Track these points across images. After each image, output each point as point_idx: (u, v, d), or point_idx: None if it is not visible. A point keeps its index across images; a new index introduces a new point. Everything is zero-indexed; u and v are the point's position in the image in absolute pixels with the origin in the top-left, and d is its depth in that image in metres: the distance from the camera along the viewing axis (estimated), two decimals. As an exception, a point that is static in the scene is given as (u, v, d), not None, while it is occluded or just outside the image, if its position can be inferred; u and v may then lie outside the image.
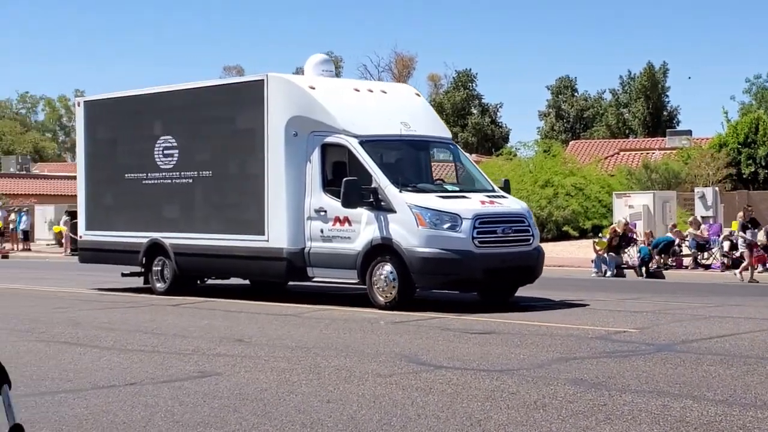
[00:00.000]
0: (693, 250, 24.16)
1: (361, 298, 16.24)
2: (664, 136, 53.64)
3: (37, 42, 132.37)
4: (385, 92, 16.67)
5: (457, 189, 15.50)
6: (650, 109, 70.90)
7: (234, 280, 18.52)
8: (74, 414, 7.32)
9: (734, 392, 7.81)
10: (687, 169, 37.75)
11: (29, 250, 39.41)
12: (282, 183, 15.51)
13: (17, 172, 65.00)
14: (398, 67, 79.22)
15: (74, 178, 68.18)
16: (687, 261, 24.30)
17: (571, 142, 58.02)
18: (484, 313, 13.84)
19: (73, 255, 21.08)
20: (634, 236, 24.86)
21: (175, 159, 17.36)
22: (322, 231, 15.11)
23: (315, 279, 15.73)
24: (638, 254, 23.78)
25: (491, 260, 14.20)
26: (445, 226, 14.08)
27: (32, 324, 13.17)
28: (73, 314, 14.43)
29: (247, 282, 18.70)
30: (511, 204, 15.22)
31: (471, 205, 14.47)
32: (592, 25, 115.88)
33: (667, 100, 73.45)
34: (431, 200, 14.44)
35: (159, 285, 17.65)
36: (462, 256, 13.98)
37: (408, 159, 15.98)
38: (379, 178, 14.57)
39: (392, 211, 14.36)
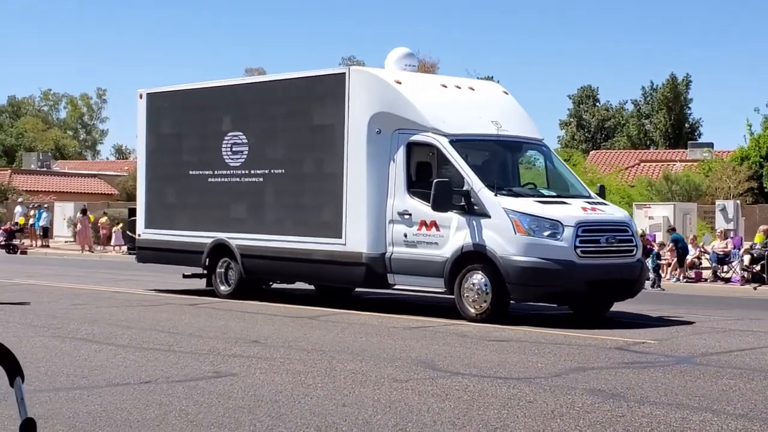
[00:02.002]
0: (713, 264, 23.98)
1: (381, 303, 16.21)
2: (686, 148, 53.34)
3: (60, 39, 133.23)
4: (473, 89, 15.63)
5: (554, 194, 14.44)
6: (672, 120, 70.53)
7: (299, 285, 17.75)
8: (88, 411, 7.29)
9: (755, 406, 7.70)
10: (708, 181, 37.53)
11: (48, 246, 39.58)
12: (363, 183, 14.61)
13: (38, 169, 65.37)
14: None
15: (94, 176, 68.57)
16: (706, 274, 24.11)
17: (591, 152, 57.82)
18: (502, 320, 13.75)
19: (130, 254, 20.24)
20: (652, 248, 24.68)
21: (245, 156, 16.48)
22: (405, 235, 14.20)
23: (396, 287, 14.61)
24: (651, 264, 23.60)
25: (594, 272, 13.25)
26: (545, 233, 13.11)
27: (49, 320, 13.18)
28: (89, 311, 14.44)
29: (311, 287, 17.97)
30: (614, 212, 14.37)
31: (572, 211, 13.50)
32: (615, 35, 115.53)
33: (689, 111, 73.06)
34: (530, 205, 13.47)
35: (223, 288, 16.83)
36: (563, 266, 12.99)
37: (498, 160, 15.08)
38: (472, 180, 13.63)
39: (486, 215, 13.39)
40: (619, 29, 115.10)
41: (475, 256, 13.45)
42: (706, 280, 23.86)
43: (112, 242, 37.10)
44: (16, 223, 39.86)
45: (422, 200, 14.00)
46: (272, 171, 16.08)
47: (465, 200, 13.53)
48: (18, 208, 42.00)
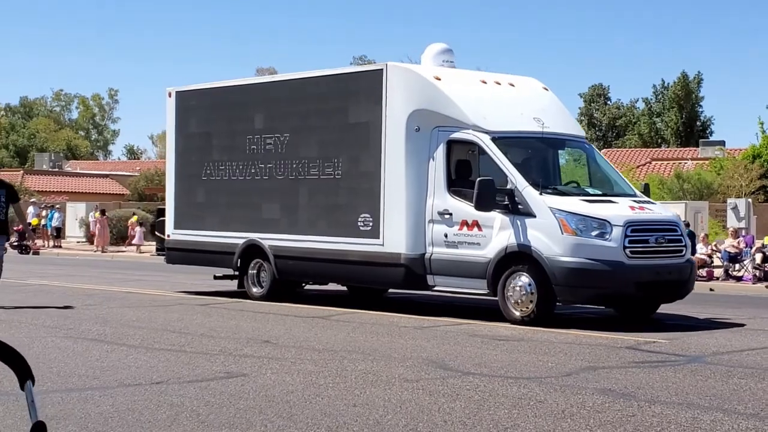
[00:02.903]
0: (725, 262, 23.91)
1: (390, 302, 16.23)
2: (697, 146, 53.20)
3: (72, 39, 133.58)
4: (513, 85, 15.17)
5: (600, 193, 14.07)
6: (683, 118, 70.34)
7: (332, 286, 17.45)
8: (99, 411, 7.33)
9: (766, 406, 7.68)
10: (719, 179, 37.41)
11: (60, 247, 39.73)
12: (401, 182, 14.26)
13: (50, 170, 65.63)
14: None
15: (105, 176, 68.87)
16: (718, 272, 24.04)
17: (602, 151, 57.67)
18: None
19: (159, 255, 19.96)
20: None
21: (278, 155, 16.14)
22: (446, 235, 13.82)
23: (436, 288, 14.25)
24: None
25: (644, 273, 12.87)
26: (593, 233, 12.73)
27: (61, 320, 13.24)
28: (101, 311, 14.50)
29: (344, 288, 17.72)
30: (662, 211, 14.02)
31: (620, 210, 13.13)
32: (626, 33, 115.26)
33: (700, 110, 72.85)
34: (576, 204, 13.10)
35: (255, 290, 16.48)
36: (612, 267, 12.62)
37: (541, 158, 14.65)
38: (516, 179, 13.25)
39: (531, 215, 13.00)
40: (631, 27, 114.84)
41: (519, 257, 13.09)
42: (717, 278, 23.79)
43: (135, 241, 37.33)
44: (29, 224, 40.04)
45: (463, 199, 13.66)
46: (306, 170, 15.73)
47: (509, 199, 13.18)
48: (30, 209, 42.18)
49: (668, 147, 65.23)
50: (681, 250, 13.43)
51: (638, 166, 46.81)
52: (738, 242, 24.28)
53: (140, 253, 35.95)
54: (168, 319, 13.54)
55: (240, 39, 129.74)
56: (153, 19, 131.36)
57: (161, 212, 19.30)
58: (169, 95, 18.35)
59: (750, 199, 29.64)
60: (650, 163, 48.37)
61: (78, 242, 42.32)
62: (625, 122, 76.62)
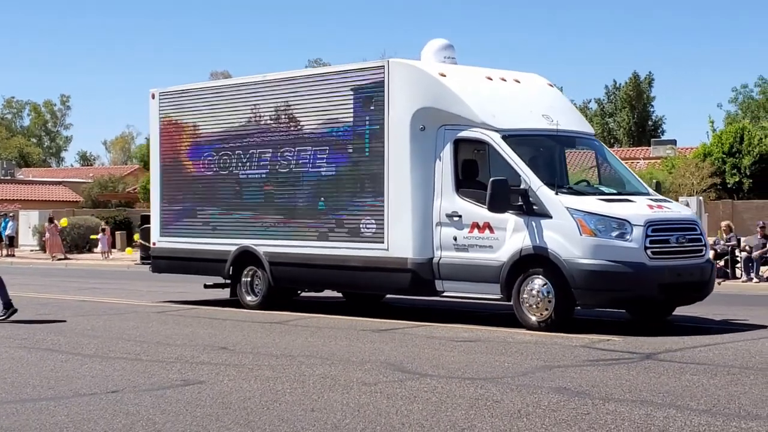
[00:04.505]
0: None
1: (344, 306, 16.20)
2: (649, 146, 53.89)
3: (23, 46, 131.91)
4: (519, 81, 14.58)
5: (615, 191, 13.59)
6: (635, 118, 71.26)
7: (328, 293, 16.95)
8: (55, 422, 7.27)
9: (718, 402, 7.82)
10: (671, 178, 37.91)
11: (13, 255, 39.28)
12: (406, 183, 13.66)
13: (2, 177, 64.75)
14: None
15: (58, 183, 67.93)
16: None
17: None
18: (470, 321, 13.82)
19: (144, 264, 19.00)
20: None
21: (271, 157, 15.47)
22: (455, 239, 13.26)
23: (445, 294, 13.70)
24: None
25: (666, 274, 12.38)
26: (613, 234, 12.23)
27: (14, 330, 13.07)
28: (55, 320, 14.34)
29: (339, 295, 17.09)
30: (681, 209, 13.61)
31: (639, 209, 12.64)
32: (577, 34, 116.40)
33: (652, 109, 73.88)
34: (594, 204, 12.58)
35: (249, 298, 15.80)
36: (634, 269, 12.13)
37: (552, 156, 14.10)
38: (530, 178, 12.69)
39: (546, 216, 12.46)
40: (581, 28, 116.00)
41: (535, 260, 12.55)
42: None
43: (99, 249, 37.20)
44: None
45: (473, 201, 13.13)
46: (303, 172, 15.06)
47: (522, 200, 12.63)
48: (-18, 218, 41.63)
49: (621, 147, 65.97)
50: (701, 250, 13.04)
51: (592, 167, 47.27)
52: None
53: (107, 260, 35.80)
54: (123, 328, 13.43)
55: (192, 44, 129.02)
56: (104, 26, 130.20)
57: (146, 219, 18.41)
58: (152, 97, 17.47)
59: (701, 197, 30.08)
60: (595, 166, 48.86)
61: (31, 251, 41.87)
62: (578, 123, 77.24)
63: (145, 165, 66.76)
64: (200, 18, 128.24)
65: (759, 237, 23.29)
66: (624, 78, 74.46)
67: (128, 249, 38.17)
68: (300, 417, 7.34)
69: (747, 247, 23.01)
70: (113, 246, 42.15)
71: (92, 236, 39.62)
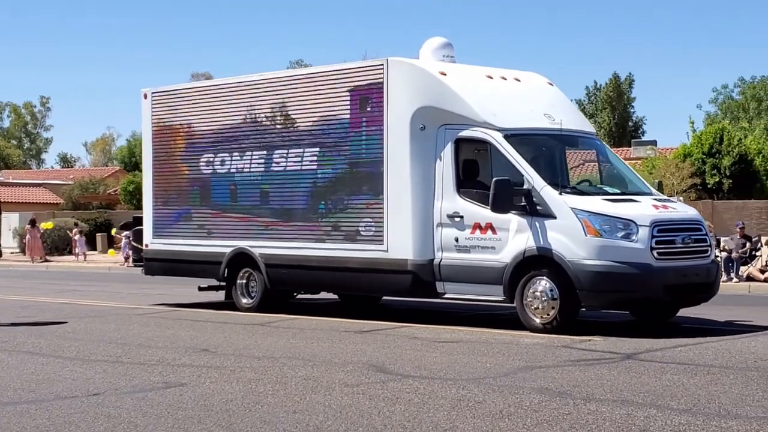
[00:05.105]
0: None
1: (332, 308, 16.18)
2: (630, 146, 54.10)
3: (1, 48, 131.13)
4: (519, 80, 14.45)
5: (618, 191, 13.43)
6: (616, 119, 71.57)
7: (323, 295, 16.65)
8: (36, 425, 7.24)
9: (698, 401, 7.87)
10: (651, 178, 37.94)
11: (-7, 258, 39.10)
12: (406, 184, 13.50)
13: (-19, 180, 64.27)
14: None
15: (39, 185, 67.37)
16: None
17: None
18: (453, 322, 13.85)
19: (136, 266, 18.76)
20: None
21: (268, 157, 15.25)
22: (456, 240, 13.11)
23: (446, 296, 13.50)
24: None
25: (672, 275, 12.31)
26: (619, 234, 12.11)
27: (-6, 334, 13.01)
28: (36, 323, 14.26)
29: (335, 297, 16.96)
30: (686, 209, 13.47)
31: (644, 209, 12.52)
32: (558, 35, 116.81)
33: (632, 110, 74.25)
34: (599, 204, 12.46)
35: (245, 301, 15.59)
36: (640, 270, 12.02)
37: (554, 156, 13.95)
38: (533, 178, 12.55)
39: (550, 216, 12.32)
40: (562, 29, 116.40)
41: (539, 261, 12.40)
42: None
43: (76, 251, 37.07)
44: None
45: (475, 201, 12.99)
46: (300, 172, 14.84)
47: (525, 200, 12.49)
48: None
49: (602, 147, 66.17)
50: (706, 251, 12.95)
51: (572, 168, 47.41)
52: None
53: (84, 262, 35.71)
54: (104, 330, 13.38)
55: (172, 45, 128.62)
56: (86, 27, 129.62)
57: (138, 221, 18.14)
58: (145, 96, 17.23)
59: (682, 198, 30.20)
60: (584, 164, 49.05)
61: (12, 253, 41.65)
62: (559, 123, 77.55)
63: (126, 166, 66.66)
64: (181, 19, 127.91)
65: (738, 237, 23.49)
66: (604, 79, 74.85)
67: (110, 251, 38.16)
68: (282, 419, 7.34)
69: (726, 248, 23.17)
70: (94, 248, 42.02)
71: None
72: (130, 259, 32.83)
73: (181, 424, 7.22)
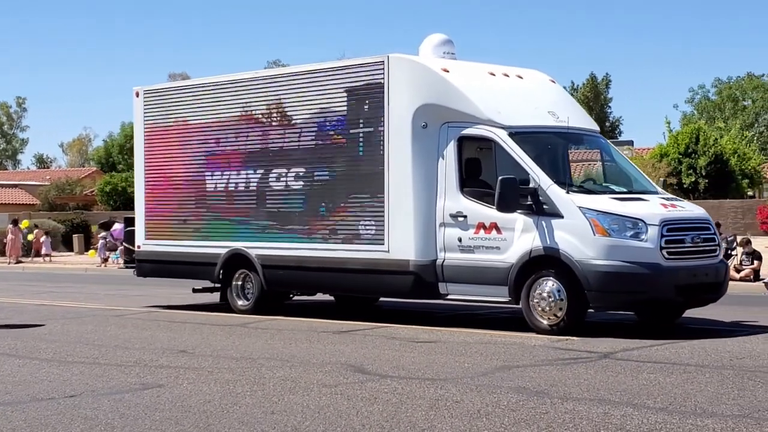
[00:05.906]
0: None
1: (315, 308, 16.16)
2: (607, 146, 54.31)
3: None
4: (521, 77, 14.17)
5: (625, 190, 13.25)
6: (593, 119, 71.95)
7: (319, 296, 16.34)
8: (12, 427, 7.20)
9: (674, 400, 7.92)
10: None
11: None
12: (408, 183, 13.22)
13: (-44, 181, 63.77)
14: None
15: (15, 186, 67.07)
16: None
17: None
18: (431, 323, 13.87)
19: (128, 268, 18.38)
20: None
21: (264, 156, 14.98)
22: (460, 240, 12.85)
23: (449, 297, 13.26)
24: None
25: (682, 275, 12.11)
26: (628, 233, 11.90)
27: (-30, 336, 12.91)
28: (12, 325, 14.17)
29: (331, 298, 16.68)
30: (694, 208, 13.18)
31: (653, 208, 12.33)
32: (533, 34, 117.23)
33: (609, 110, 74.62)
34: (607, 203, 12.24)
35: (241, 302, 15.32)
36: (650, 269, 11.81)
37: (558, 154, 13.68)
38: (539, 177, 12.30)
39: (557, 215, 12.09)
40: (538, 29, 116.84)
41: (545, 261, 12.16)
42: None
43: (42, 252, 36.97)
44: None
45: (479, 200, 12.77)
46: (298, 172, 14.57)
47: (531, 199, 12.22)
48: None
49: (578, 148, 66.49)
50: (715, 250, 12.76)
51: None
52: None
53: (49, 263, 35.56)
54: (81, 332, 13.31)
55: (149, 45, 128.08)
56: (60, 27, 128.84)
57: (130, 221, 17.88)
58: (137, 95, 16.86)
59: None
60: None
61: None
62: (537, 124, 77.81)
63: (102, 167, 66.25)
64: (158, 20, 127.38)
65: (714, 236, 23.62)
66: (581, 79, 75.11)
67: (90, 251, 38.00)
68: (260, 419, 7.33)
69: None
70: (71, 249, 41.83)
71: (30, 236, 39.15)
72: (109, 260, 32.77)
73: (159, 425, 7.20)
